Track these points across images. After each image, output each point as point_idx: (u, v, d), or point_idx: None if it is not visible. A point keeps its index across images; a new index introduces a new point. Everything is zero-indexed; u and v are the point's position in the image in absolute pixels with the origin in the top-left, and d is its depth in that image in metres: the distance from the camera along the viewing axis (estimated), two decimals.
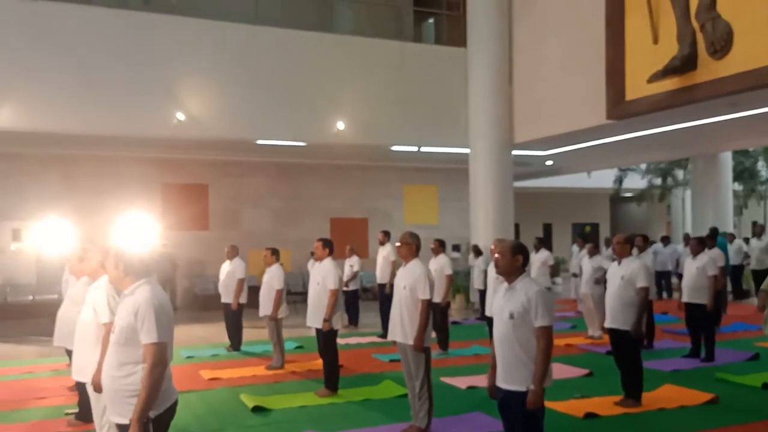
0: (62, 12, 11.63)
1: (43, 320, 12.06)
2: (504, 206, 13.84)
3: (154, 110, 11.94)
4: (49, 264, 13.34)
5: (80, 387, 5.40)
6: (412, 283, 5.38)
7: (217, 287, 9.81)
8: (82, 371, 4.53)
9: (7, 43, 10.97)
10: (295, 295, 13.63)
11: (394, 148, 14.64)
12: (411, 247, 5.54)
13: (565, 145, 14.62)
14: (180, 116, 12.08)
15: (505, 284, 3.92)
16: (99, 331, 4.39)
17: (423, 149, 14.75)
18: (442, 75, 14.17)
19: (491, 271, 7.20)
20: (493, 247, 5.69)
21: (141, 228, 13.49)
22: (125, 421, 3.14)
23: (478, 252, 11.57)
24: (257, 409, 6.27)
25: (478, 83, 13.79)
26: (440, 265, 8.86)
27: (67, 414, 6.16)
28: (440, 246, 9.22)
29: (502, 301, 3.85)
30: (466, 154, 14.17)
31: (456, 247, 17.29)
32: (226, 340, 9.77)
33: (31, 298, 13.54)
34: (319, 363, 7.41)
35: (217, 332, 10.80)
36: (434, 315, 7.58)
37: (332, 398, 6.70)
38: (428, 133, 14.06)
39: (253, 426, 5.85)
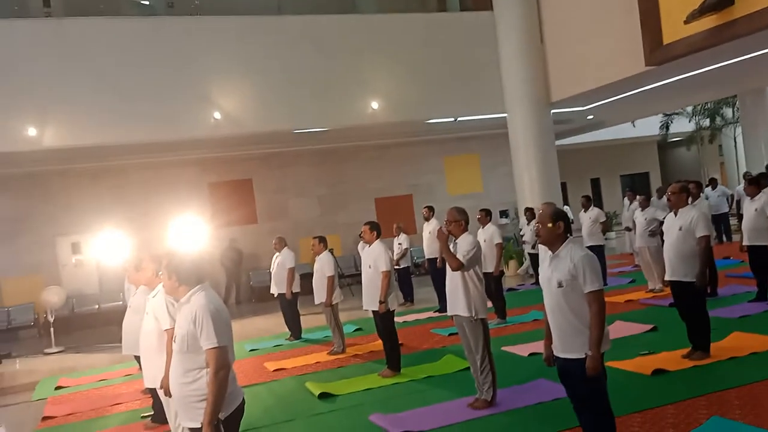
0: (90, 26, 11.85)
1: (110, 328, 12.58)
2: (548, 166, 13.60)
3: (190, 112, 12.11)
4: (109, 273, 13.81)
5: (153, 391, 5.58)
6: (463, 257, 5.34)
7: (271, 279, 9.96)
8: (152, 378, 4.68)
9: (42, 65, 11.25)
10: (348, 278, 13.77)
11: (431, 121, 14.49)
12: (460, 224, 5.51)
13: (605, 98, 14.20)
14: (216, 115, 12.22)
15: (550, 252, 3.84)
16: (162, 338, 4.52)
17: (460, 119, 14.56)
18: (471, 42, 13.91)
19: None
20: (539, 212, 5.60)
21: (192, 229, 13.77)
22: (197, 425, 3.23)
23: (532, 215, 11.36)
24: (324, 396, 6.37)
25: (509, 45, 13.50)
26: (489, 234, 8.77)
27: (143, 417, 6.39)
28: (486, 216, 9.11)
29: (549, 270, 3.79)
30: (504, 118, 13.94)
31: (503, 213, 17.11)
32: (287, 330, 9.94)
33: (96, 307, 14.05)
34: (379, 344, 7.49)
35: (276, 323, 11.00)
36: (488, 285, 7.58)
37: (396, 378, 6.76)
38: (463, 101, 13.86)
39: (321, 414, 5.94)
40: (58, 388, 8.41)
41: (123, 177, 14.63)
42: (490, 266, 8.50)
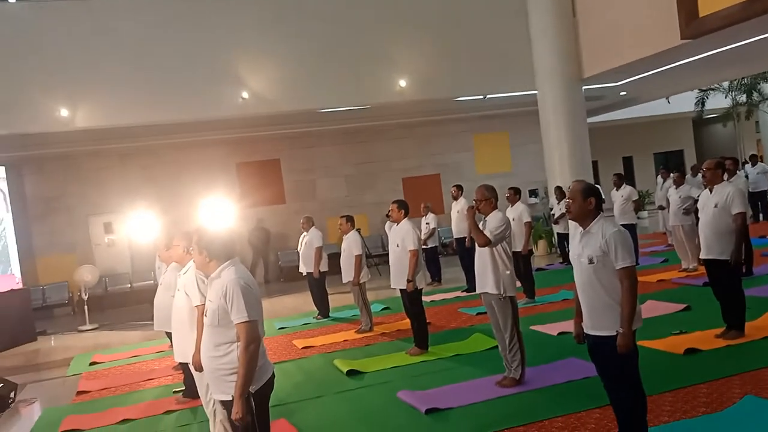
0: (119, 5, 11.92)
1: (142, 306, 12.81)
2: (579, 144, 13.36)
3: (218, 92, 12.15)
4: (141, 252, 14.05)
5: (184, 367, 5.67)
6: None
7: (299, 258, 10.02)
8: (182, 353, 4.73)
9: (73, 46, 11.37)
10: (375, 257, 13.78)
11: (459, 99, 14.32)
12: (490, 202, 5.45)
13: (639, 73, 13.85)
14: (244, 95, 12.24)
15: (581, 228, 3.76)
16: (193, 314, 4.56)
17: (489, 96, 14.36)
18: (500, 17, 13.65)
19: None
20: (570, 189, 5.51)
21: (221, 209, 13.90)
22: (228, 398, 3.26)
23: (562, 194, 11.20)
24: (352, 373, 6.41)
25: (540, 20, 13.22)
26: (518, 213, 8.67)
27: (175, 392, 6.50)
28: (516, 194, 9.02)
29: (579, 246, 3.72)
30: (535, 95, 13.71)
31: (533, 192, 16.92)
32: (315, 309, 10.00)
33: (128, 286, 14.33)
34: (406, 323, 7.50)
35: (305, 302, 11.08)
36: (517, 264, 7.50)
37: (424, 356, 6.76)
38: (492, 78, 13.65)
39: (349, 390, 5.98)
40: (92, 364, 8.61)
41: (153, 157, 14.80)
42: (518, 245, 8.42)
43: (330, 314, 9.79)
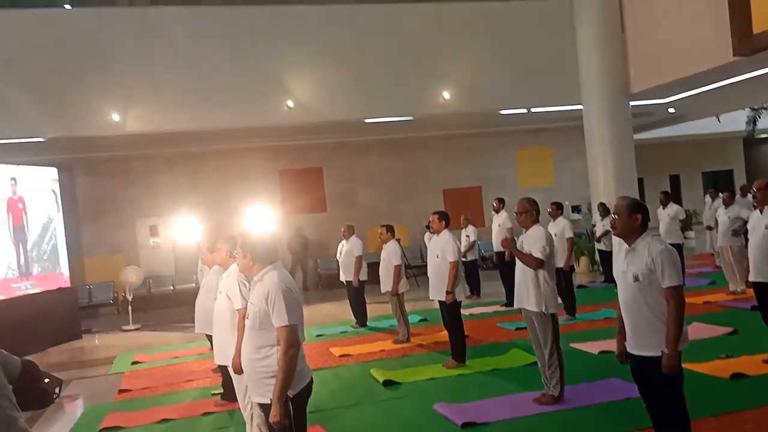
0: (172, 15, 12.25)
1: (183, 308, 13.03)
2: (625, 161, 13.13)
3: (265, 100, 12.35)
4: (184, 255, 14.34)
5: (223, 369, 5.74)
6: (533, 249, 5.24)
7: (338, 266, 10.08)
8: (222, 355, 4.81)
9: (127, 54, 11.73)
10: (413, 268, 13.76)
11: (503, 112, 14.25)
12: (531, 215, 5.41)
13: (689, 90, 13.56)
14: (290, 103, 12.42)
15: (626, 245, 3.69)
16: (234, 317, 4.64)
17: (533, 110, 14.25)
18: (547, 31, 13.56)
19: None
20: (615, 205, 5.43)
21: (263, 215, 14.10)
22: (266, 401, 3.29)
23: (606, 211, 11.02)
24: (388, 383, 6.40)
25: (588, 34, 13.08)
26: (560, 228, 8.57)
27: (213, 395, 6.59)
28: (558, 209, 8.91)
29: (624, 264, 3.64)
30: (580, 110, 13.55)
31: (575, 208, 16.68)
32: (352, 318, 10.03)
33: (171, 288, 14.61)
34: (444, 335, 7.46)
35: (342, 310, 11.12)
36: (558, 280, 7.39)
37: (461, 369, 6.71)
38: (538, 92, 13.54)
39: (386, 400, 5.97)
40: (134, 363, 8.80)
41: (199, 163, 15.11)
42: (560, 261, 8.30)
43: (367, 323, 9.81)
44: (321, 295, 14.09)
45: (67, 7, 12.89)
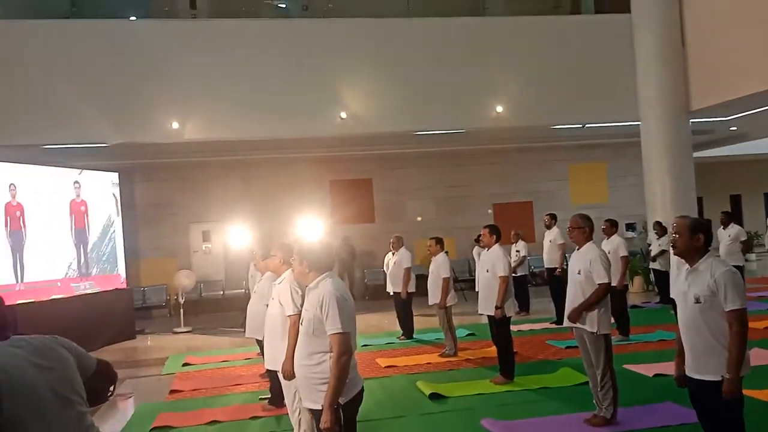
0: (231, 27, 12.59)
1: (232, 313, 13.28)
2: (683, 179, 12.77)
3: (318, 111, 12.53)
4: (234, 261, 14.60)
5: (272, 375, 5.80)
6: (587, 267, 5.14)
7: (385, 278, 10.08)
8: (273, 360, 4.85)
9: (187, 63, 12.09)
10: (461, 282, 13.66)
11: (557, 126, 14.07)
12: (583, 231, 5.29)
13: (751, 108, 13.13)
14: (342, 114, 12.56)
15: (687, 266, 3.58)
16: (285, 323, 4.68)
17: (588, 125, 14.02)
18: (604, 45, 13.35)
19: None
20: (674, 224, 5.28)
21: (312, 224, 14.24)
22: (317, 407, 3.31)
23: (662, 230, 10.72)
24: (434, 396, 6.35)
25: (647, 49, 12.81)
26: (614, 246, 8.38)
27: (260, 399, 6.66)
28: (612, 226, 8.72)
29: (685, 285, 3.53)
30: (637, 126, 13.26)
31: (630, 226, 16.28)
32: (398, 329, 10.01)
33: (221, 293, 14.88)
34: (492, 350, 7.37)
35: (389, 321, 11.12)
36: (611, 299, 7.22)
37: (509, 386, 6.61)
38: (593, 107, 13.33)
39: (432, 413, 5.93)
40: (185, 364, 8.96)
41: (252, 170, 15.40)
42: (613, 280, 8.08)
43: (414, 336, 9.77)
44: (367, 306, 14.10)
45: (132, 18, 13.39)
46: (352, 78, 12.82)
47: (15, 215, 10.18)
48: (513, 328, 7.11)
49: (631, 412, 5.40)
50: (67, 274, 10.95)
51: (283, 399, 5.45)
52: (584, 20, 13.99)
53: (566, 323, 5.37)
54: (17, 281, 9.95)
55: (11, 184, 10.15)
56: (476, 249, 11.85)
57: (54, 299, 10.30)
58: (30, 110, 11.36)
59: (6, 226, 10.00)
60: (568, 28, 13.45)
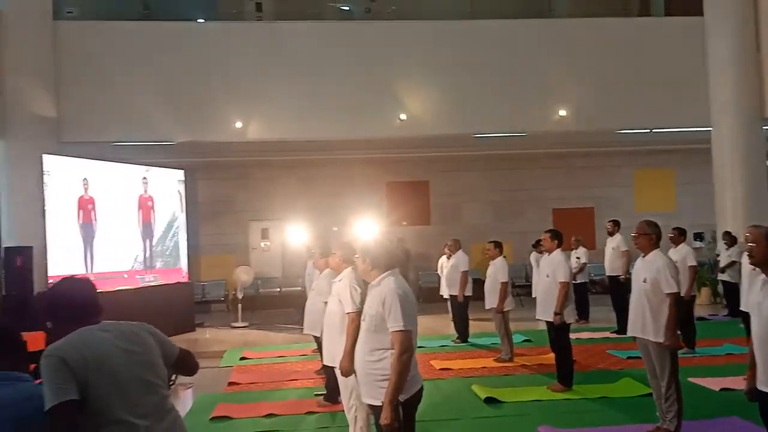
0: (295, 29, 12.79)
1: (288, 310, 13.48)
2: (756, 187, 12.24)
3: (378, 113, 12.58)
4: (292, 259, 14.82)
5: (328, 371, 5.85)
6: (654, 276, 4.98)
7: (439, 280, 10.02)
8: (331, 357, 4.90)
9: (253, 64, 12.35)
10: (518, 288, 13.46)
11: (623, 131, 13.70)
12: (650, 238, 5.13)
13: None
14: (402, 116, 12.57)
15: (763, 276, 3.43)
16: (344, 320, 4.72)
17: (656, 130, 13.59)
18: (675, 49, 12.92)
19: (746, 262, 6.43)
20: (747, 234, 5.07)
21: (368, 224, 14.32)
22: (377, 403, 3.32)
23: (732, 240, 10.34)
24: (490, 401, 6.28)
25: (720, 53, 12.36)
26: (682, 255, 8.09)
27: (316, 395, 6.73)
28: (680, 235, 8.43)
29: (761, 295, 3.37)
30: (708, 132, 12.78)
31: (698, 236, 15.70)
32: (452, 332, 9.94)
33: (278, 290, 15.12)
34: (549, 357, 7.24)
35: (442, 324, 11.07)
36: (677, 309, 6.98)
37: (567, 394, 6.47)
38: (661, 112, 12.90)
39: (487, 417, 5.87)
40: (242, 358, 9.16)
41: (311, 170, 15.59)
42: (681, 290, 7.81)
43: (469, 339, 9.69)
44: (421, 308, 13.89)
45: (201, 21, 13.77)
46: (412, 80, 12.82)
47: (87, 208, 10.62)
48: (572, 336, 6.96)
49: (696, 426, 5.22)
50: (133, 266, 11.36)
51: (339, 396, 5.50)
52: (653, 22, 13.57)
53: (630, 333, 5.21)
54: (87, 271, 10.37)
55: (84, 178, 10.60)
56: (534, 255, 11.67)
57: (120, 290, 10.69)
58: (103, 109, 11.84)
59: (78, 218, 10.45)
60: (636, 31, 13.08)
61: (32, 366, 2.51)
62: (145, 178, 11.78)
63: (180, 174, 12.75)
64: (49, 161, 10.04)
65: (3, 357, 2.37)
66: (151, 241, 11.81)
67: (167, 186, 12.36)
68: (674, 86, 12.83)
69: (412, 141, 13.59)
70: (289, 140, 12.86)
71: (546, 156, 15.86)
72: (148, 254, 11.71)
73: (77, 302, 2.42)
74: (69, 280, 2.52)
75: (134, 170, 11.70)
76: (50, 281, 9.76)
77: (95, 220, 10.74)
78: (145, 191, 11.75)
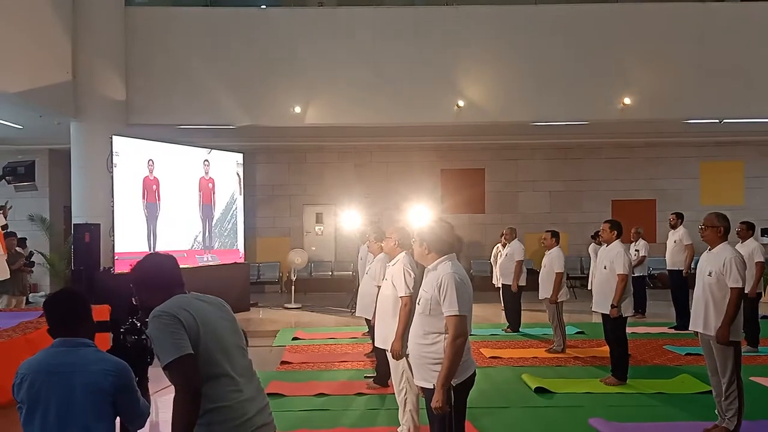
0: (356, 14, 12.79)
1: (340, 293, 13.64)
2: None
3: (436, 99, 12.47)
4: (345, 244, 14.97)
5: (379, 354, 5.91)
6: (720, 269, 4.82)
7: (491, 269, 9.93)
8: (383, 339, 4.95)
9: (314, 49, 12.43)
10: (573, 279, 13.23)
11: (690, 121, 13.20)
12: (718, 230, 4.97)
13: None
14: (460, 103, 12.45)
15: None
16: (397, 304, 4.76)
17: (726, 120, 13.04)
18: (747, 35, 12.32)
19: None
20: None
21: (423, 211, 14.31)
22: (429, 386, 3.34)
23: None
24: (540, 391, 6.24)
25: None
26: (749, 250, 7.77)
27: (366, 377, 6.82)
28: (748, 229, 8.09)
29: None
30: None
31: (766, 231, 15.05)
32: (504, 321, 9.87)
33: (330, 273, 15.31)
34: (603, 350, 7.12)
35: (493, 313, 10.99)
36: (742, 307, 6.74)
37: (621, 388, 6.35)
38: (733, 102, 12.33)
39: (538, 407, 5.82)
40: (294, 338, 9.35)
41: (365, 156, 15.65)
42: (746, 286, 7.52)
43: (520, 329, 9.60)
44: (473, 296, 13.99)
45: (263, 6, 13.93)
46: (472, 66, 12.65)
47: (152, 189, 10.98)
48: (628, 330, 6.82)
49: (757, 426, 5.07)
50: (192, 245, 11.69)
51: (388, 379, 5.57)
52: (726, 7, 12.93)
53: (692, 327, 5.06)
54: (150, 249, 10.73)
55: (150, 159, 10.95)
56: (592, 246, 11.43)
57: (181, 268, 11.00)
58: (169, 92, 12.16)
59: (144, 198, 10.82)
60: (708, 16, 12.51)
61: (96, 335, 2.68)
62: (206, 160, 12.08)
63: (239, 157, 13.02)
64: (118, 142, 10.41)
65: (76, 324, 2.53)
66: (210, 222, 12.12)
67: (227, 169, 12.64)
68: (745, 75, 12.25)
69: (470, 128, 13.44)
70: (344, 125, 12.93)
71: (608, 146, 15.45)
72: (207, 234, 12.04)
73: (165, 274, 2.69)
74: (155, 255, 2.81)
75: (196, 153, 12.01)
76: (116, 258, 10.16)
77: (159, 200, 11.09)
78: (206, 173, 12.06)
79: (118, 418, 2.55)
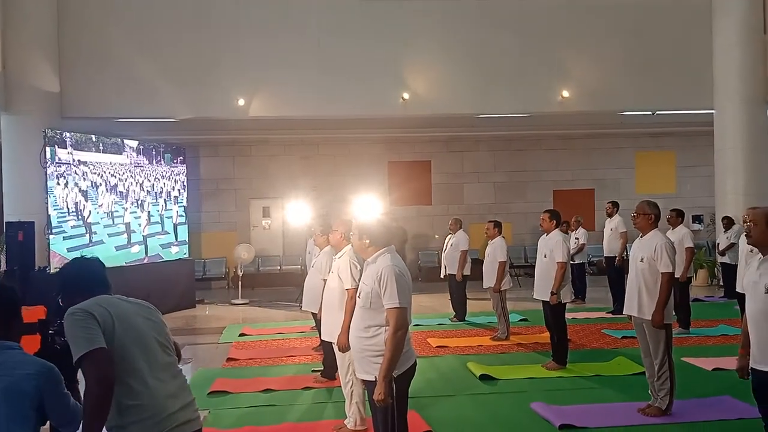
0: (304, 5, 12.58)
1: (287, 288, 13.58)
2: (758, 172, 12.15)
3: (381, 91, 12.49)
4: (292, 238, 14.88)
5: (326, 347, 5.93)
6: (651, 255, 5.03)
7: (439, 260, 10.07)
8: (329, 333, 4.97)
9: (257, 41, 12.22)
10: (516, 268, 13.52)
11: (625, 113, 13.65)
12: (649, 218, 5.17)
13: None
14: (405, 95, 12.51)
15: (760, 256, 3.51)
16: (343, 297, 4.78)
17: (658, 112, 13.54)
18: (681, 30, 12.80)
19: (742, 243, 6.51)
20: (746, 215, 5.10)
21: (370, 204, 14.35)
22: (371, 378, 3.39)
23: (730, 222, 10.42)
24: (485, 378, 6.37)
25: (726, 35, 12.23)
26: (679, 237, 8.13)
27: (313, 371, 6.81)
28: (678, 217, 8.47)
29: (757, 274, 3.44)
30: (709, 115, 12.72)
31: (697, 218, 15.74)
32: (450, 311, 10.03)
33: (278, 268, 15.21)
34: (545, 336, 7.32)
35: (440, 303, 11.15)
36: (674, 291, 7.04)
37: (561, 372, 6.56)
38: (665, 94, 12.80)
39: (482, 394, 5.95)
40: (241, 335, 9.24)
41: (312, 149, 15.58)
42: (677, 271, 7.87)
43: (466, 318, 9.77)
44: (420, 287, 14.12)
45: None
46: (416, 59, 12.71)
47: (88, 183, 10.65)
48: (568, 315, 7.05)
49: (688, 405, 5.29)
50: (133, 241, 11.40)
51: (335, 372, 5.59)
52: (659, 3, 13.38)
53: (626, 311, 5.27)
54: (87, 245, 10.43)
55: (86, 153, 10.61)
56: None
57: (121, 265, 10.75)
58: (106, 84, 11.73)
59: (79, 193, 10.48)
60: (642, 11, 12.93)
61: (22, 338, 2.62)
62: (146, 154, 11.79)
63: (182, 151, 12.76)
64: (51, 136, 10.04)
65: (6, 324, 2.45)
66: (151, 217, 11.86)
67: (169, 162, 12.38)
68: (678, 68, 12.75)
69: (415, 120, 13.54)
70: (290, 118, 12.82)
71: (548, 137, 15.83)
72: (148, 230, 11.77)
73: (87, 277, 2.65)
74: (79, 260, 2.76)
75: (136, 146, 11.70)
76: (54, 259, 9.84)
77: (96, 195, 10.78)
78: (147, 167, 11.77)
79: (48, 423, 2.49)
